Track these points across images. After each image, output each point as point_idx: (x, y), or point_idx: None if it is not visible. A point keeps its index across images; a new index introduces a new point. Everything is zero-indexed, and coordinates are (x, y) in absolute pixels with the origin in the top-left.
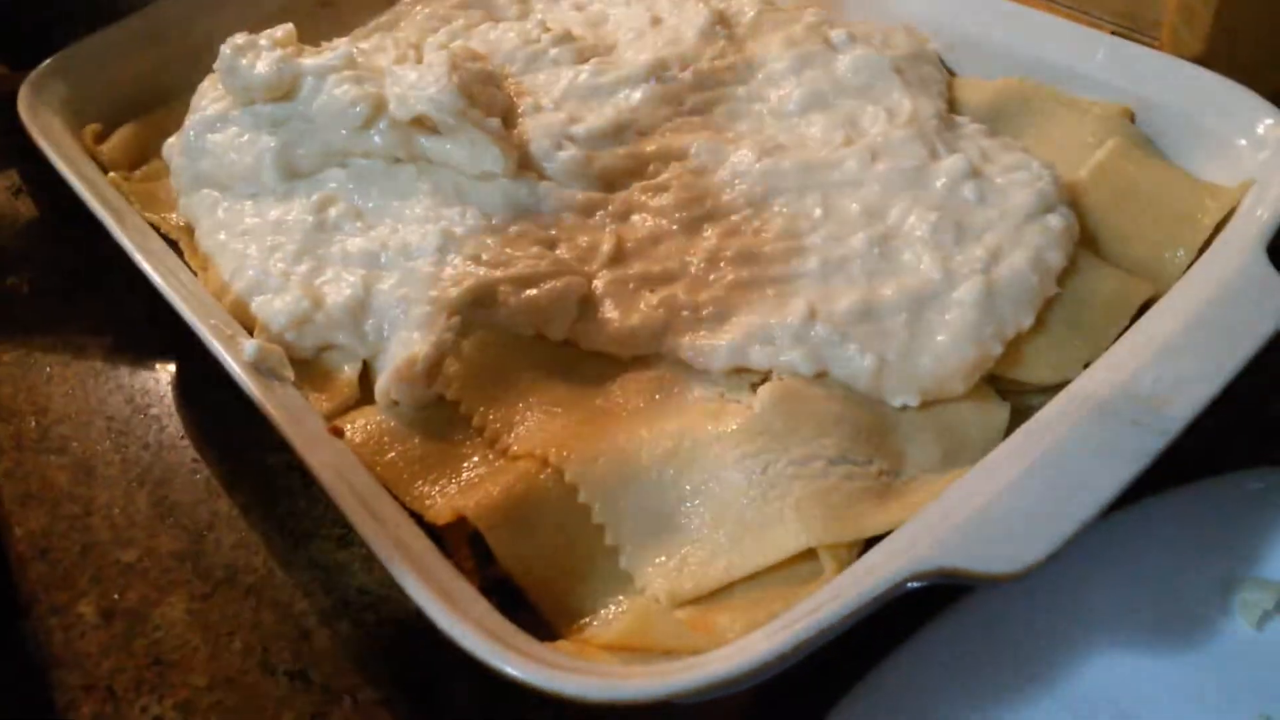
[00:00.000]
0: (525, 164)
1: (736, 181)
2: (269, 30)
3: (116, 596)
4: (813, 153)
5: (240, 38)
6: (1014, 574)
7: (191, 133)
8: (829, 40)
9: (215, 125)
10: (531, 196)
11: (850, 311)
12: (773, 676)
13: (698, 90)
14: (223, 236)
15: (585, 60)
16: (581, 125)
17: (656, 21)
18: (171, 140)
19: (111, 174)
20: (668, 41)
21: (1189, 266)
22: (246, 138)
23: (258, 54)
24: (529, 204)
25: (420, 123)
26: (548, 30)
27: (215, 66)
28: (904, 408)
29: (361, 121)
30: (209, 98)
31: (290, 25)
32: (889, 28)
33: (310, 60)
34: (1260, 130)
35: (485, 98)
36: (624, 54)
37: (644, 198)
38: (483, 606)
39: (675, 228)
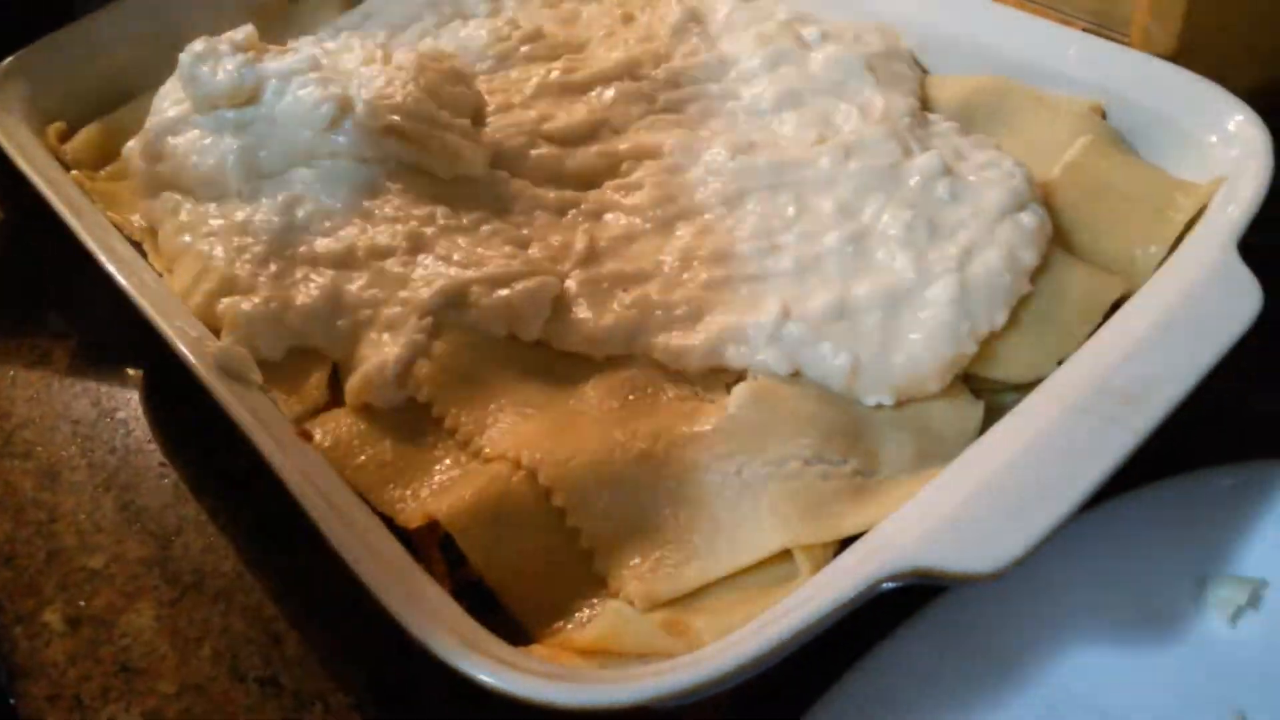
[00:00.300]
0: (497, 163)
1: (710, 180)
2: (229, 34)
3: (83, 604)
4: (785, 151)
5: (199, 44)
6: (989, 573)
7: (151, 135)
8: (801, 38)
9: (176, 128)
10: (504, 196)
11: (824, 310)
12: (749, 679)
13: (671, 88)
14: (188, 238)
15: (557, 58)
16: (554, 123)
17: (629, 19)
18: (131, 144)
19: (74, 172)
20: (640, 39)
21: (1161, 263)
22: (209, 141)
23: (218, 60)
24: (501, 203)
25: (389, 130)
26: (519, 28)
27: (176, 74)
28: (878, 407)
29: (327, 123)
30: (170, 100)
31: (251, 27)
32: (861, 25)
33: (273, 64)
34: (1231, 127)
35: (454, 97)
36: (596, 51)
37: (617, 196)
38: (454, 611)
39: (648, 226)
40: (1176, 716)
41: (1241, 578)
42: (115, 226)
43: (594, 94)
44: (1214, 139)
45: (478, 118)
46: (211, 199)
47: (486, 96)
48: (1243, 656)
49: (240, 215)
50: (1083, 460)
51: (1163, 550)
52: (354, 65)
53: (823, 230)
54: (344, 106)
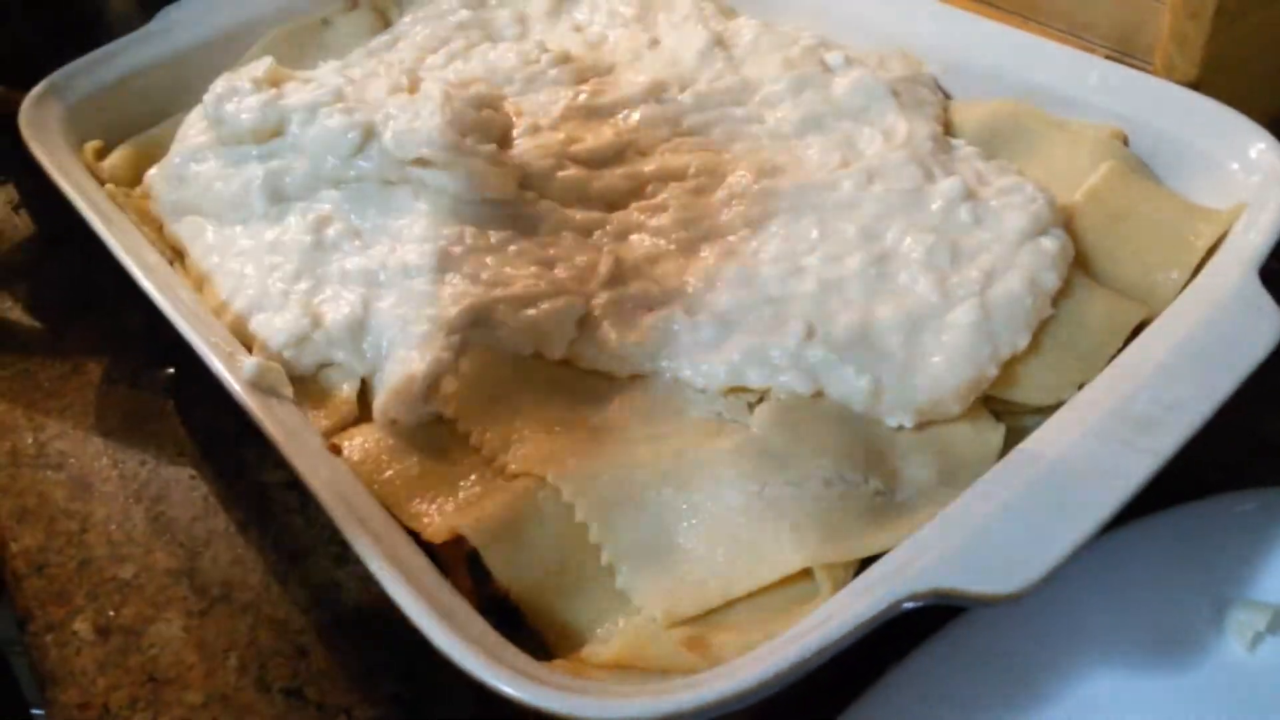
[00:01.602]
0: (525, 184)
1: (734, 202)
2: (249, 69)
3: (112, 613)
4: (809, 174)
5: (221, 84)
6: (1009, 595)
7: (176, 161)
8: (825, 63)
9: (200, 155)
10: (531, 216)
11: (847, 333)
12: (768, 697)
13: (696, 111)
14: (216, 259)
15: (584, 81)
16: (581, 145)
17: (655, 43)
18: (153, 170)
19: (109, 186)
20: (667, 63)
21: (1182, 289)
22: (232, 169)
23: (241, 99)
24: (528, 223)
25: (417, 162)
26: (547, 51)
27: (202, 114)
28: (900, 428)
29: (353, 150)
30: (195, 129)
31: (270, 60)
32: (884, 51)
33: (296, 98)
34: (1252, 154)
35: (480, 122)
36: (623, 75)
37: (642, 218)
38: (479, 625)
39: (673, 248)
40: None
41: (1261, 603)
42: (150, 243)
43: (620, 117)
44: (1235, 166)
45: (505, 140)
46: (237, 222)
47: (514, 119)
48: (1261, 681)
49: (270, 235)
50: (1103, 484)
51: (1182, 574)
52: (380, 94)
53: (845, 253)
54: (369, 133)
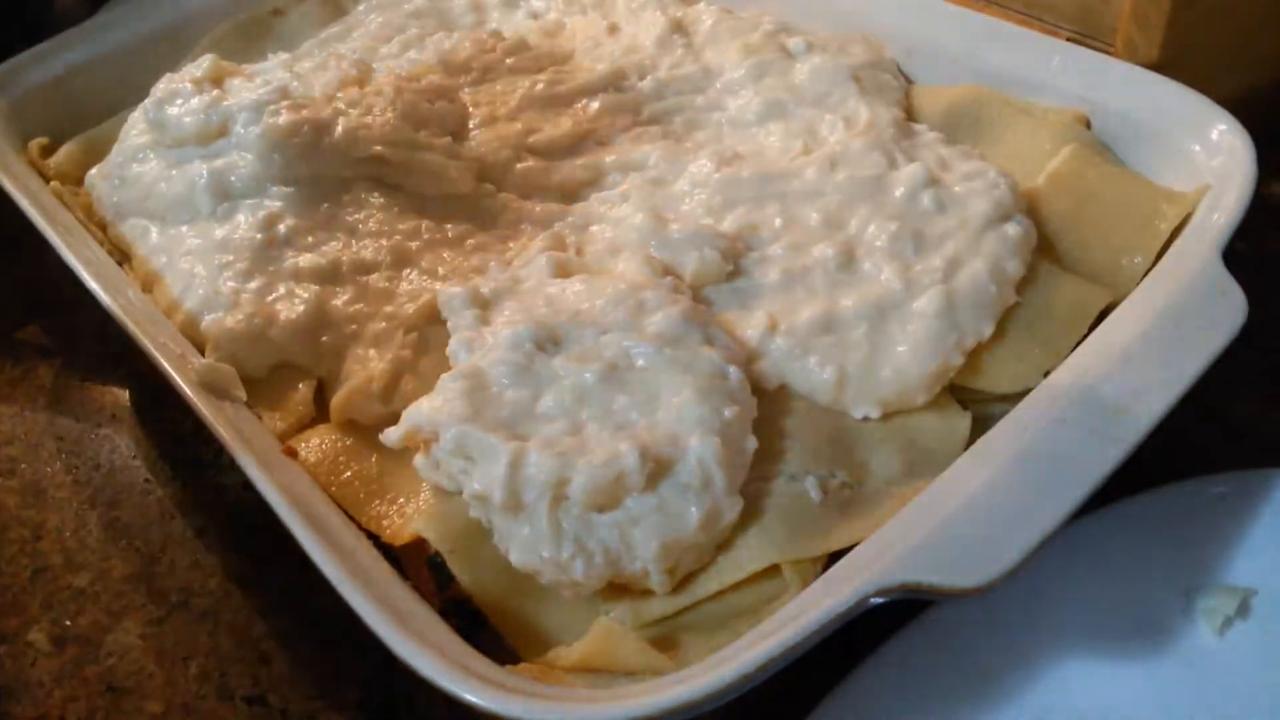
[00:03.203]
0: (482, 176)
1: (696, 192)
2: (191, 68)
3: (68, 622)
4: (771, 162)
5: (161, 88)
6: (978, 587)
7: (116, 161)
8: (786, 49)
9: (141, 155)
10: (489, 209)
11: (811, 323)
12: (737, 696)
13: (656, 99)
14: (164, 259)
15: (542, 70)
16: (539, 136)
17: (614, 30)
18: (93, 171)
19: (54, 184)
20: (625, 50)
21: (1146, 272)
22: (175, 171)
23: (184, 101)
24: (487, 216)
25: (370, 159)
26: (503, 39)
27: (143, 117)
28: (866, 420)
29: (303, 149)
30: (138, 128)
31: (211, 58)
32: (846, 36)
33: (240, 100)
34: (1214, 136)
35: (434, 115)
36: (581, 63)
37: (603, 209)
38: (441, 629)
39: (635, 239)
40: None
41: (1229, 587)
42: (98, 242)
43: (579, 106)
44: (1197, 148)
45: (461, 132)
46: (183, 221)
47: (471, 109)
48: (1231, 666)
49: (219, 233)
50: (1070, 473)
51: (1150, 561)
52: (330, 88)
53: (810, 242)
54: (319, 129)
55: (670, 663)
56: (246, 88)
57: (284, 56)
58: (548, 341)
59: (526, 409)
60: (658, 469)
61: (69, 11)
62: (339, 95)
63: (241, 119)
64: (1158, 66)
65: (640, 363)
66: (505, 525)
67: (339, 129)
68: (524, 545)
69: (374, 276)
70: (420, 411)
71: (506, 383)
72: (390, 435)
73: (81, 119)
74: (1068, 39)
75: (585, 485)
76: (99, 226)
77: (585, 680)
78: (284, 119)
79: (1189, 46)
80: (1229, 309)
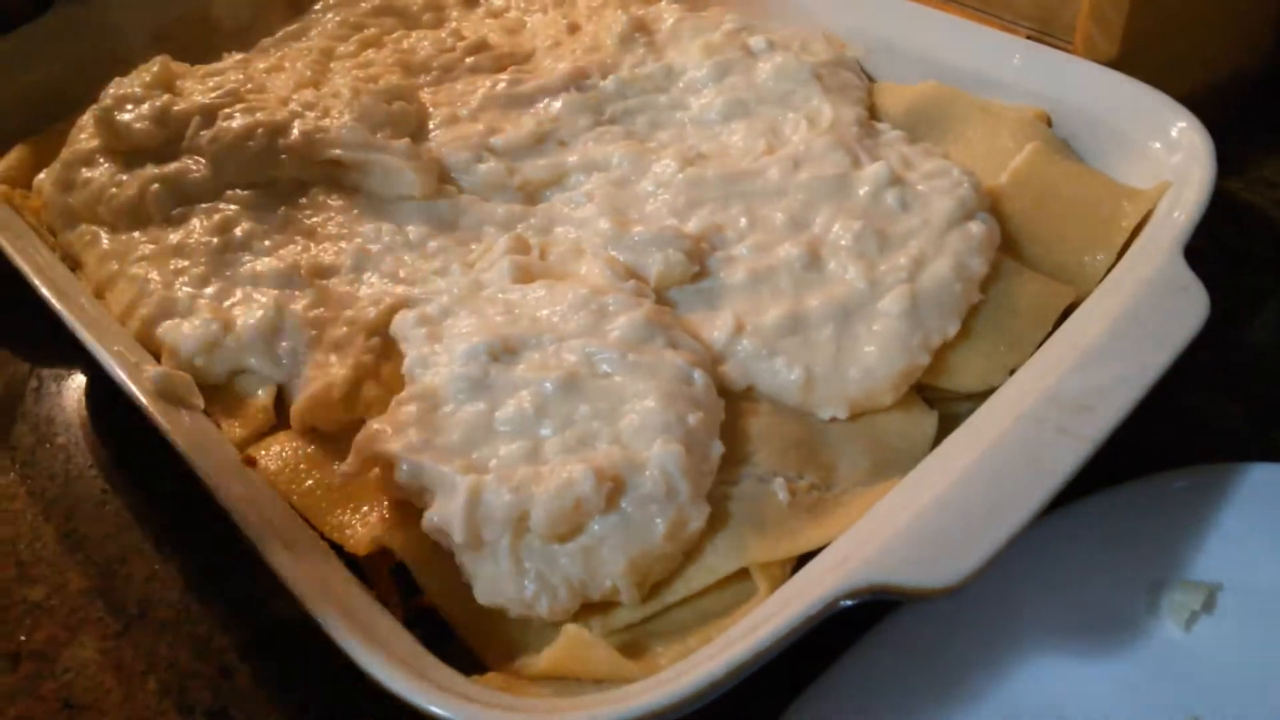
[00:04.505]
0: (443, 177)
1: (659, 192)
2: (140, 71)
3: (23, 638)
4: (735, 162)
5: (110, 94)
6: (947, 588)
7: (66, 166)
8: (748, 47)
9: (90, 160)
10: (451, 211)
11: (777, 324)
12: (707, 702)
13: (618, 99)
14: (115, 266)
15: (502, 69)
16: (500, 136)
17: (575, 28)
18: (41, 175)
19: (2, 188)
20: (586, 49)
21: (1109, 270)
22: (127, 176)
23: (135, 106)
24: (448, 219)
25: (327, 162)
26: (463, 39)
27: (93, 121)
28: (833, 420)
29: (257, 153)
30: (87, 132)
31: (163, 59)
32: (807, 34)
33: (191, 104)
34: (1174, 133)
35: (392, 116)
36: (542, 62)
37: (566, 210)
38: (405, 640)
39: (598, 240)
40: None
41: (1195, 582)
42: (50, 248)
43: (540, 106)
44: (1157, 145)
45: (420, 133)
46: (135, 227)
47: (431, 109)
48: (1197, 661)
49: (174, 238)
50: (1037, 471)
51: (1116, 556)
52: (286, 90)
53: (775, 242)
54: (275, 132)
55: (640, 670)
56: (199, 90)
57: (238, 57)
58: (504, 352)
59: (483, 425)
60: (618, 485)
61: (17, 11)
62: (294, 97)
63: (194, 123)
64: (1116, 64)
65: (603, 369)
66: (468, 561)
67: (295, 132)
68: (488, 584)
69: (334, 280)
70: (371, 442)
71: (462, 398)
72: (345, 467)
73: (31, 123)
74: (1027, 37)
75: (543, 519)
76: (50, 231)
77: (553, 689)
78: (238, 123)
79: (1148, 43)
80: (1191, 305)
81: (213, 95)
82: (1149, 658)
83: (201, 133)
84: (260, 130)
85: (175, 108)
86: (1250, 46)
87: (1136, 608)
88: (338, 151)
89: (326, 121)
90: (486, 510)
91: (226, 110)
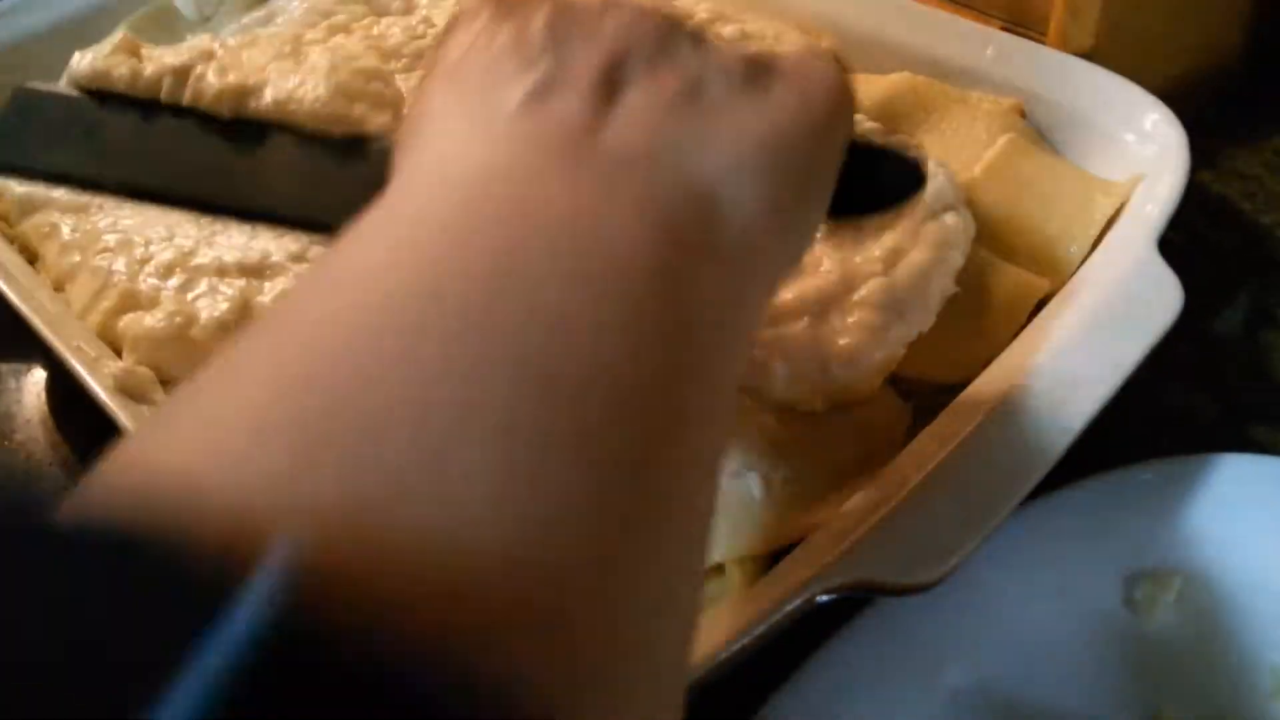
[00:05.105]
0: None
1: None
2: (103, 43)
3: None
4: None
5: (76, 59)
6: (926, 583)
7: None
8: (721, 37)
9: None
10: None
11: None
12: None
13: None
14: (77, 258)
15: None
16: None
17: None
18: None
19: None
20: None
21: (1083, 262)
22: None
23: (102, 75)
24: None
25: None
26: (434, 26)
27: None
28: (809, 413)
29: (228, 116)
30: None
31: (124, 32)
32: (781, 25)
33: (161, 64)
34: (1148, 125)
35: (371, 95)
36: None
37: None
38: None
39: None
40: (1098, 712)
41: (1165, 573)
42: (8, 239)
43: None
44: (1131, 137)
45: (397, 116)
46: (95, 213)
47: (404, 95)
48: (1164, 652)
49: (134, 224)
50: (1014, 464)
51: (1089, 548)
52: (262, 60)
53: None
54: (245, 94)
55: None
56: (169, 53)
57: (205, 36)
58: None
59: None
60: None
61: None
62: (271, 66)
63: (166, 84)
64: (1091, 55)
65: None
66: None
67: (267, 97)
68: None
69: (303, 269)
70: None
71: None
72: None
73: None
74: (1002, 28)
75: None
76: (3, 220)
77: None
78: (210, 82)
79: (1122, 34)
80: (1165, 298)
81: (184, 58)
82: (1121, 648)
83: (174, 94)
84: (229, 94)
85: (146, 71)
86: (1222, 39)
87: (1110, 599)
88: (304, 121)
89: (302, 91)
90: None
91: (200, 70)
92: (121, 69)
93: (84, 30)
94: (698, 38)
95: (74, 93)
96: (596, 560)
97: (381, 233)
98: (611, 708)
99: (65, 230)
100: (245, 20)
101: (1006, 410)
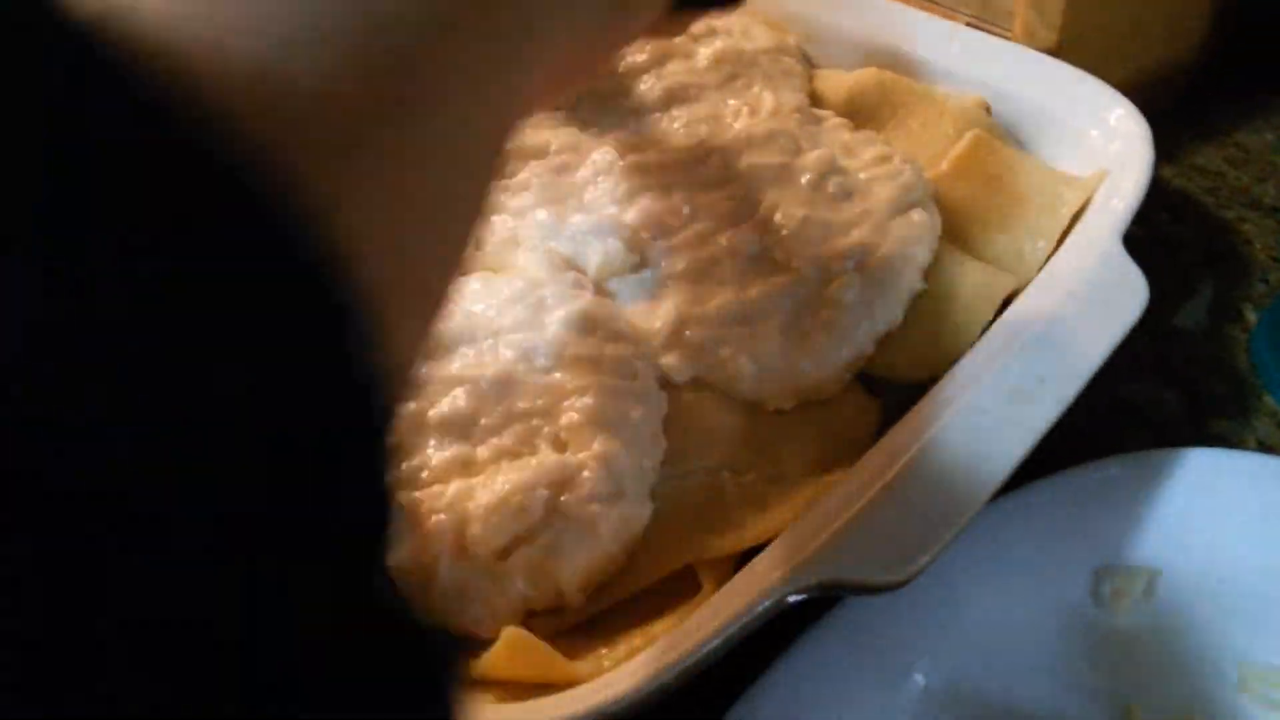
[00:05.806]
0: None
1: (599, 179)
2: None
3: None
4: (676, 149)
5: None
6: (896, 582)
7: None
8: (689, 32)
9: None
10: None
11: (721, 314)
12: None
13: None
14: None
15: None
16: None
17: None
18: None
19: None
20: None
21: (1049, 258)
22: None
23: None
24: None
25: None
26: None
27: None
28: (778, 412)
29: None
30: None
31: None
32: (748, 19)
33: None
34: (1112, 121)
35: None
36: None
37: (502, 198)
38: None
39: (537, 233)
40: (1067, 709)
41: (1135, 567)
42: None
43: None
44: (1095, 133)
45: None
46: None
47: None
48: (1134, 647)
49: None
50: (982, 461)
51: (1057, 544)
52: None
53: (717, 231)
54: None
55: (584, 670)
56: None
57: None
58: (436, 348)
59: (414, 427)
60: (558, 488)
61: None
62: None
63: None
64: (1055, 51)
65: (540, 363)
66: (403, 583)
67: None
68: (424, 609)
69: None
70: None
71: None
72: None
73: None
74: (967, 23)
75: (481, 535)
76: None
77: (493, 694)
78: None
79: (1087, 30)
80: (1131, 293)
81: None
82: (1091, 644)
83: None
84: None
85: None
86: (1185, 35)
87: (1077, 595)
88: None
89: None
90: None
91: None
92: None
93: None
94: None
95: None
96: (393, 102)
97: None
98: (392, 247)
99: None
100: None
101: (973, 406)
